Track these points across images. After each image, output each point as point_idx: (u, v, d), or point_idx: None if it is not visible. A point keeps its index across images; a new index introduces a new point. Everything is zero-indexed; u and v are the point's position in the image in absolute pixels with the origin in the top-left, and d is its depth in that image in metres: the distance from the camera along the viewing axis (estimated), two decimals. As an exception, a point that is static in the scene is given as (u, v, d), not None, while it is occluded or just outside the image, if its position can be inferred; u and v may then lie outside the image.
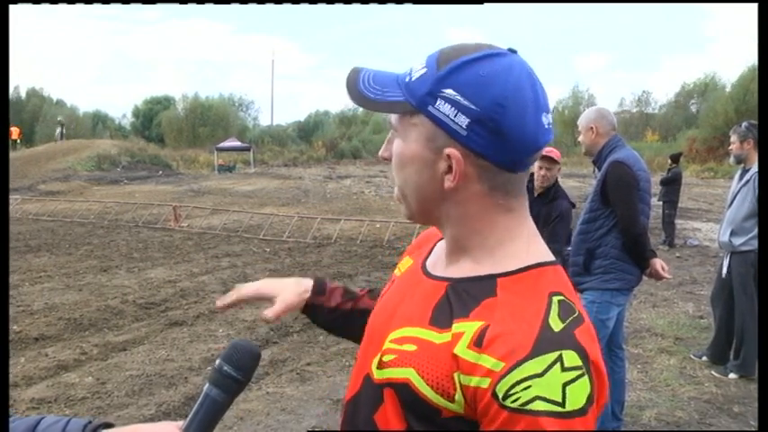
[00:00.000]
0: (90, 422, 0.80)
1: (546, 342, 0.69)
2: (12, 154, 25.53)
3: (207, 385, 0.85)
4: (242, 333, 5.43)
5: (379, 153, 0.89)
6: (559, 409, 0.66)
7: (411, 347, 0.78)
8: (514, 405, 0.67)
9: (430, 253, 0.94)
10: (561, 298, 0.75)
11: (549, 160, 3.68)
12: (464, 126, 0.75)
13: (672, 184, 10.72)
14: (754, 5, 3.77)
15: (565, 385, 0.67)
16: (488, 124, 0.75)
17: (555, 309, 0.73)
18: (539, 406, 0.66)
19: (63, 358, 4.70)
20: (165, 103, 55.02)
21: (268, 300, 1.14)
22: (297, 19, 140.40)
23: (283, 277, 1.21)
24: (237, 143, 35.63)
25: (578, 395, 0.67)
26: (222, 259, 8.97)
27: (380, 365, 0.81)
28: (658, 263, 3.33)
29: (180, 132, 47.32)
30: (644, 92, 65.32)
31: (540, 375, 0.67)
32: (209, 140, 41.98)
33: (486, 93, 0.74)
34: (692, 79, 50.92)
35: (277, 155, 41.07)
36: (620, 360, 3.47)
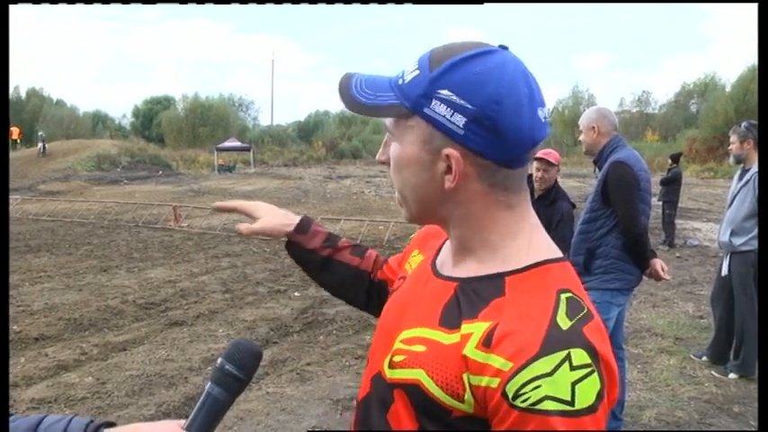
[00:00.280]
0: (92, 421, 0.80)
1: (554, 341, 0.69)
2: (12, 154, 25.53)
3: (209, 384, 0.85)
4: (242, 333, 5.43)
5: (377, 157, 0.89)
6: (569, 408, 0.66)
7: (421, 348, 0.78)
8: (524, 405, 0.67)
9: (439, 251, 0.94)
10: (569, 295, 0.75)
11: (546, 162, 3.66)
12: (461, 125, 0.75)
13: (672, 184, 10.72)
14: (754, 5, 3.77)
15: (574, 384, 0.67)
16: (485, 122, 0.74)
17: (563, 306, 0.73)
18: (549, 405, 0.66)
19: (63, 358, 4.70)
20: (164, 103, 55.06)
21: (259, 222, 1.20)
22: (297, 19, 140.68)
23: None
24: (237, 143, 35.64)
25: (587, 393, 0.67)
26: (222, 259, 8.98)
27: (391, 365, 0.81)
28: (658, 263, 3.33)
29: (180, 132, 47.34)
30: (644, 92, 65.55)
31: (549, 375, 0.67)
32: (209, 140, 42.01)
33: (481, 91, 0.74)
34: (691, 79, 51.17)
35: (277, 155, 41.06)
36: (620, 360, 3.46)
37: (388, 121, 0.83)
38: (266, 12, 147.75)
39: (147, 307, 6.20)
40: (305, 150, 44.84)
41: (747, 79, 32.63)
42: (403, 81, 0.79)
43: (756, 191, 4.06)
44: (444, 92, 0.75)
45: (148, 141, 41.87)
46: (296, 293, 6.87)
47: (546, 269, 0.78)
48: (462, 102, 0.74)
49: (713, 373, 4.47)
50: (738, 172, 4.49)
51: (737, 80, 35.91)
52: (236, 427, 3.60)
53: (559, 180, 3.89)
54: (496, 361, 0.70)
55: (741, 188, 4.29)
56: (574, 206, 3.86)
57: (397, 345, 0.82)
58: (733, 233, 4.28)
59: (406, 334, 0.82)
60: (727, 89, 38.87)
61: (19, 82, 61.86)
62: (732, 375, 4.38)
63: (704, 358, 4.69)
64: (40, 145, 29.10)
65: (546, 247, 0.82)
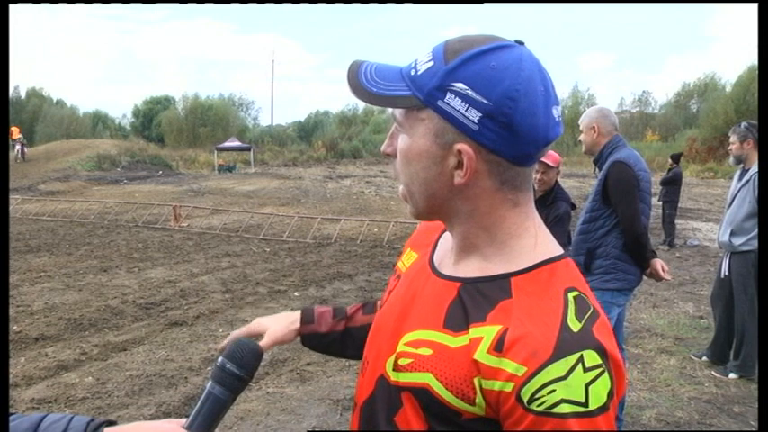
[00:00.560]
0: (92, 420, 0.80)
1: (566, 344, 0.69)
2: (12, 153, 25.49)
3: (210, 383, 0.85)
4: (242, 333, 5.43)
5: (382, 148, 0.87)
6: (583, 409, 0.67)
7: (427, 351, 0.77)
8: (540, 408, 0.67)
9: (435, 247, 0.92)
10: (576, 294, 0.75)
11: (545, 164, 3.65)
12: (475, 121, 0.73)
13: (672, 185, 10.73)
14: (754, 5, 3.77)
15: (587, 385, 0.68)
16: (500, 119, 0.73)
17: (572, 307, 0.73)
18: (564, 408, 0.67)
19: (63, 358, 4.70)
20: (165, 103, 55.03)
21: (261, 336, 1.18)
22: (298, 19, 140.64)
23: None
24: (237, 143, 35.60)
25: (600, 393, 0.68)
26: (222, 259, 8.97)
27: (396, 368, 0.80)
28: (658, 263, 3.33)
29: (180, 132, 47.31)
30: (644, 92, 65.47)
31: (564, 378, 0.67)
32: (209, 140, 42.00)
33: (497, 86, 0.72)
34: (692, 79, 51.04)
35: (277, 155, 41.01)
36: (621, 360, 3.47)
37: (398, 112, 0.80)
38: (267, 12, 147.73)
39: (147, 307, 6.20)
40: (305, 150, 44.77)
41: (747, 79, 32.62)
42: (416, 72, 0.77)
43: (756, 191, 4.06)
44: (459, 85, 0.73)
45: (148, 141, 41.82)
46: (296, 293, 6.87)
47: (551, 268, 0.78)
48: (478, 96, 0.73)
49: (713, 373, 4.47)
50: (738, 172, 4.49)
51: (737, 80, 35.89)
52: (236, 427, 3.60)
53: (560, 181, 3.89)
54: (509, 365, 0.69)
55: (741, 188, 4.29)
56: (574, 207, 3.86)
57: (401, 347, 0.81)
58: (733, 233, 4.28)
59: (409, 336, 0.81)
60: (728, 89, 38.87)
61: (19, 82, 61.91)
62: (732, 375, 4.38)
63: (704, 358, 4.69)
64: (18, 148, 26.01)
65: (550, 246, 0.82)
